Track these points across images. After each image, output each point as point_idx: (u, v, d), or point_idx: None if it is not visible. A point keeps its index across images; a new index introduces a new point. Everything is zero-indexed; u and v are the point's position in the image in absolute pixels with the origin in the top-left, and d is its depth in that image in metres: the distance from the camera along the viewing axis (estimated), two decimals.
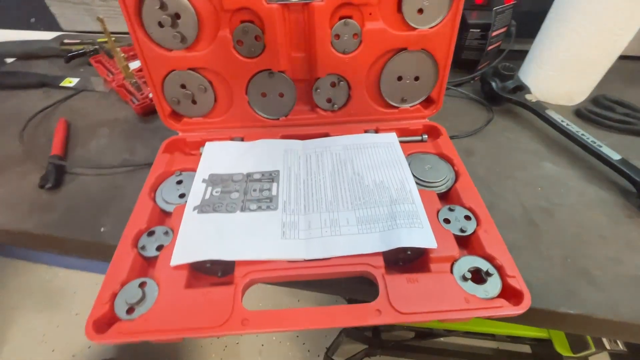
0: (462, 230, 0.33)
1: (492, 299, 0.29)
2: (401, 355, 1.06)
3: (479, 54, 0.59)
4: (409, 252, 0.31)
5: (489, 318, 0.28)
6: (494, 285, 0.30)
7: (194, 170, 0.40)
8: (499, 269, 0.30)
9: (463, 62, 0.61)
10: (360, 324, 0.27)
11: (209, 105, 0.44)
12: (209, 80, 0.42)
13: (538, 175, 0.43)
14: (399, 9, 0.37)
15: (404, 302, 0.28)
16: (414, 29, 0.38)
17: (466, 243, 0.34)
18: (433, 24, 0.38)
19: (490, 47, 0.58)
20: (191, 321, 0.27)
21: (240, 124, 0.45)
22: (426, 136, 0.44)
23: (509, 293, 0.29)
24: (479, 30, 0.58)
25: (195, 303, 0.28)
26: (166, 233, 0.34)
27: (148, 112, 0.55)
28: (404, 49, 0.39)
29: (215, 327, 0.27)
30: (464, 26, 0.58)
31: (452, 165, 0.40)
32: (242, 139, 0.44)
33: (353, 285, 0.34)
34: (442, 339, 1.02)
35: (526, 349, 1.03)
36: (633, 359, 0.95)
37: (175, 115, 0.45)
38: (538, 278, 0.33)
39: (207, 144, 0.42)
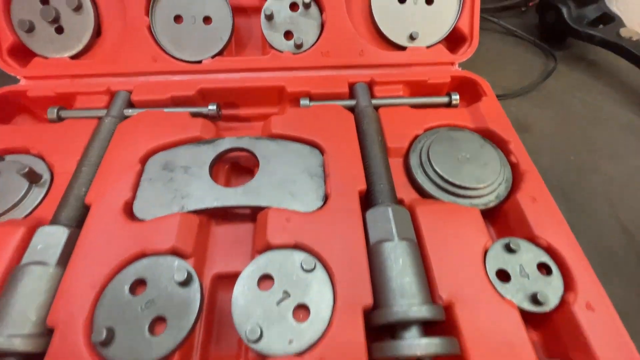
0: (535, 300, 0.16)
1: None
2: None
3: None
4: None
5: None
6: None
7: (27, 152, 0.22)
8: None
9: None
10: None
11: (83, 33, 0.27)
12: None
13: None
14: None
15: None
16: None
17: (541, 324, 0.16)
18: None
19: None
20: None
21: (134, 68, 0.26)
22: (457, 96, 0.25)
23: None
24: None
25: None
26: None
27: None
28: None
29: None
30: None
31: (507, 152, 0.22)
32: (129, 94, 0.25)
33: None
34: None
35: None
36: None
37: (21, 52, 0.27)
38: None
39: None
